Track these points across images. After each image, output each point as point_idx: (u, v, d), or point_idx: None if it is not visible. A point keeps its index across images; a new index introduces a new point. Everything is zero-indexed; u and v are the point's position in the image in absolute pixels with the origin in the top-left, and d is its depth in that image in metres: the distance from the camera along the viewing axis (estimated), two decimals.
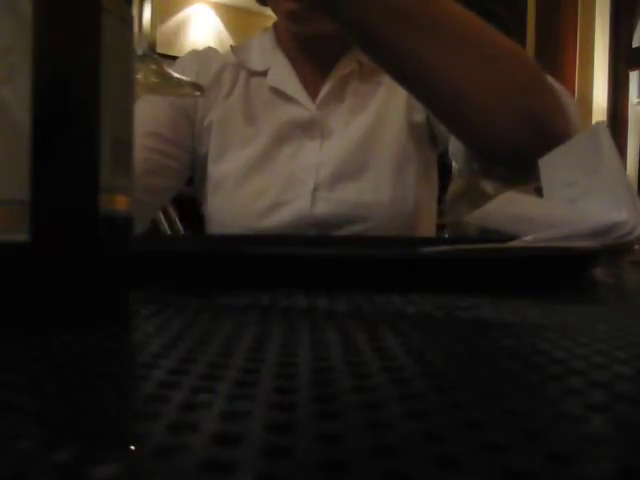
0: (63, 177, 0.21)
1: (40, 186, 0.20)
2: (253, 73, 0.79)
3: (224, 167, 0.78)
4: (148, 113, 0.76)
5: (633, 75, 3.24)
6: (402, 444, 0.10)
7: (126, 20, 0.24)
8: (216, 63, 0.81)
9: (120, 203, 0.23)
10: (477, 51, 0.49)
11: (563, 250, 0.37)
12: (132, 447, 0.10)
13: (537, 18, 3.41)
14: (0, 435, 0.10)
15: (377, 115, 0.77)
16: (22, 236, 0.20)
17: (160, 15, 4.08)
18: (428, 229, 0.80)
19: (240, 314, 0.25)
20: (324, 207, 0.73)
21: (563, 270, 0.38)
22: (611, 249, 0.41)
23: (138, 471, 0.09)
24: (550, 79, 0.56)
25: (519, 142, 0.52)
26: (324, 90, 0.77)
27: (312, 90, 0.78)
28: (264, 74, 0.79)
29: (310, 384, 0.14)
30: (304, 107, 0.76)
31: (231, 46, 0.83)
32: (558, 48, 3.28)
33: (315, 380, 0.14)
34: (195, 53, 0.85)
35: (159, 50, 4.02)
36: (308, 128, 0.76)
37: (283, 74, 0.78)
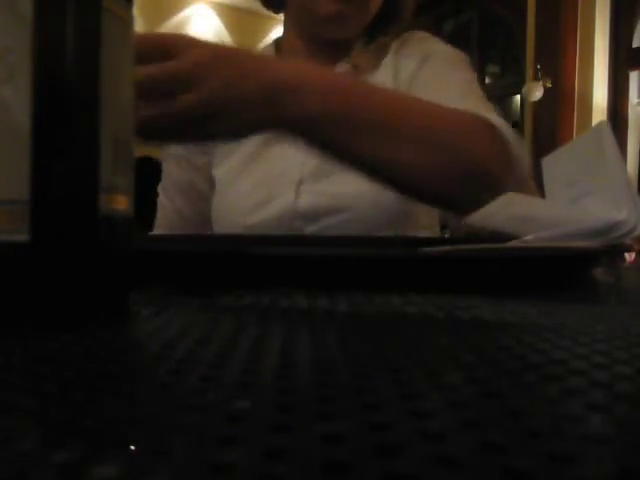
0: (63, 177, 0.21)
1: (40, 186, 0.20)
2: None
3: (221, 170, 0.82)
4: (170, 174, 0.86)
5: (633, 75, 3.24)
6: (402, 444, 0.10)
7: (126, 20, 0.24)
8: None
9: (120, 203, 0.23)
10: (415, 140, 0.56)
11: (563, 250, 0.37)
12: (132, 447, 0.10)
13: (537, 18, 3.41)
14: (0, 435, 0.10)
15: None
16: (22, 236, 0.20)
17: (160, 15, 4.07)
18: (424, 221, 0.81)
19: (240, 314, 0.25)
20: (308, 199, 0.76)
21: (563, 270, 0.38)
22: (611, 249, 0.41)
23: (138, 471, 0.09)
24: (500, 134, 0.61)
25: (461, 202, 0.58)
26: None
27: None
28: None
29: (310, 384, 0.14)
30: None
31: None
32: (558, 48, 3.28)
33: (315, 380, 0.14)
34: None
35: None
36: None
37: None
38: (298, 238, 0.65)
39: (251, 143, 0.79)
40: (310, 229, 0.75)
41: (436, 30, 3.92)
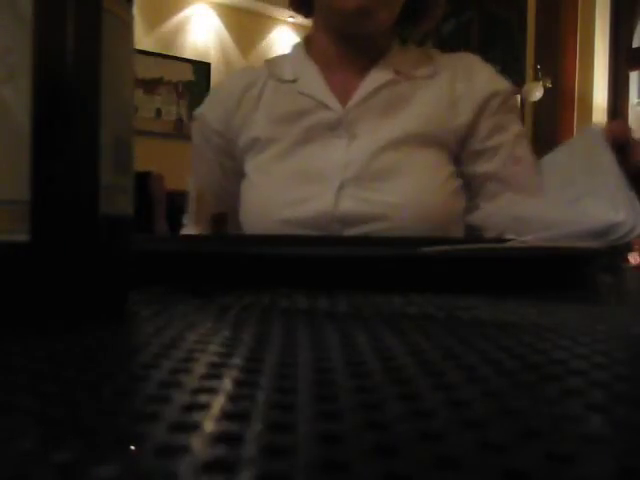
0: (63, 177, 0.21)
1: (40, 186, 0.20)
2: (284, 81, 0.82)
3: (253, 163, 0.81)
4: (202, 171, 0.89)
5: (633, 75, 3.23)
6: (402, 444, 0.10)
7: (126, 20, 0.24)
8: (252, 80, 0.85)
9: (120, 203, 0.23)
10: None
11: (563, 250, 0.37)
12: (132, 447, 0.10)
13: (537, 18, 3.40)
14: (0, 435, 0.10)
15: (407, 120, 0.77)
16: (22, 236, 0.20)
17: (160, 15, 4.07)
18: (456, 231, 0.80)
19: (240, 314, 0.25)
20: (348, 204, 0.74)
21: (563, 270, 0.38)
22: (611, 249, 0.41)
23: (138, 471, 0.09)
24: None
25: None
26: (357, 96, 0.79)
27: (343, 94, 0.80)
28: (294, 82, 0.82)
29: (310, 384, 0.14)
30: (332, 110, 0.79)
31: (265, 60, 0.88)
32: (558, 48, 3.28)
33: (315, 380, 0.14)
34: (242, 71, 0.95)
35: (159, 50, 4.01)
36: (335, 128, 0.78)
37: (312, 80, 0.81)
38: (298, 238, 0.65)
39: (284, 140, 0.79)
40: (347, 234, 0.74)
41: (436, 30, 3.92)
